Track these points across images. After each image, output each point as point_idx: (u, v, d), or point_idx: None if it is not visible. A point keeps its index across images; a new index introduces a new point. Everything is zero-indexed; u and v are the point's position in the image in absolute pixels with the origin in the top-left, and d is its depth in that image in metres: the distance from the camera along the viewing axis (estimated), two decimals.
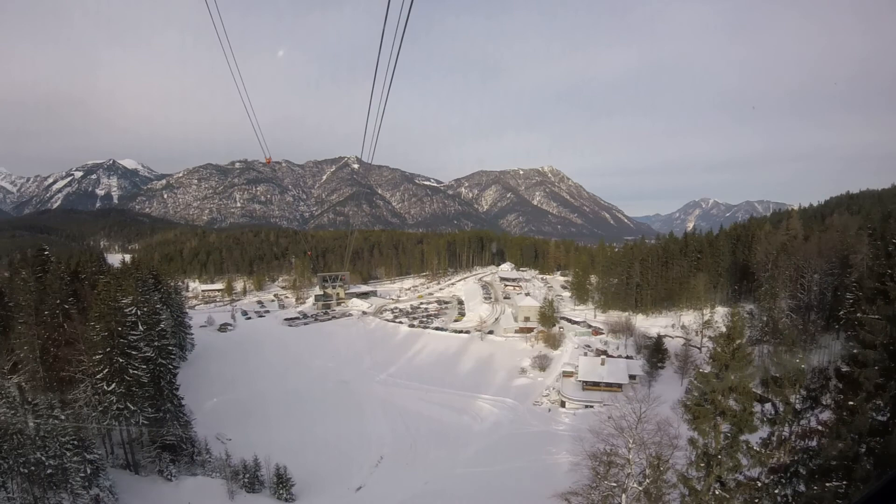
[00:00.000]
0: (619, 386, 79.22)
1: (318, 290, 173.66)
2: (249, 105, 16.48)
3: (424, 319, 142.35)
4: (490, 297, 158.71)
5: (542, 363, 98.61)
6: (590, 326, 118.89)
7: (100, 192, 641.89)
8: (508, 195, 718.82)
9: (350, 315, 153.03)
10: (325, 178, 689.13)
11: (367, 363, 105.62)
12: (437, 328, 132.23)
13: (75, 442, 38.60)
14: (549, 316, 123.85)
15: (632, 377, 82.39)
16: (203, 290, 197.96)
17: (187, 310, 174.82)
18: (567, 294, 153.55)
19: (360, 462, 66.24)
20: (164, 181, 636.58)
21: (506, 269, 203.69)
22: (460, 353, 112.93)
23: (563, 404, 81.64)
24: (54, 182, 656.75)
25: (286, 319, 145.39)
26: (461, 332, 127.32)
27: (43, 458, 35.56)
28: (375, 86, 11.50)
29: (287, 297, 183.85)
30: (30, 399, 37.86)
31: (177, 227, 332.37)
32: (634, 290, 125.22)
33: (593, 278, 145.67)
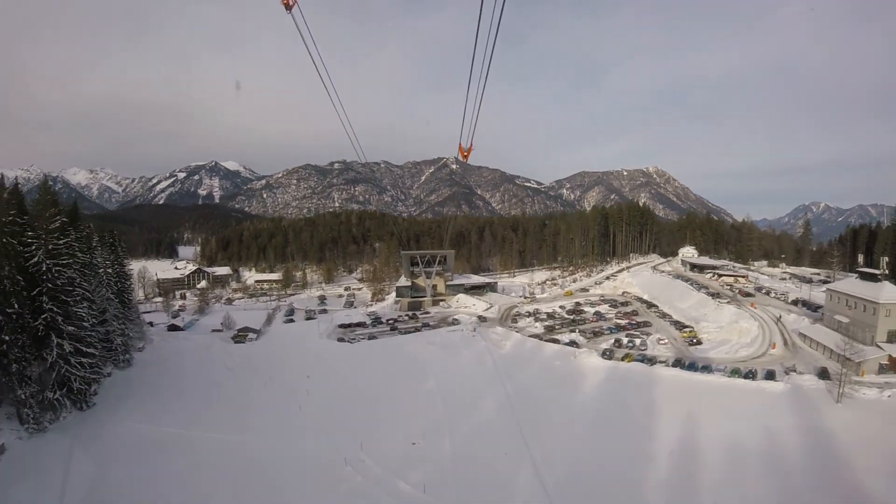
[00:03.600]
0: None
1: (403, 281, 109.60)
2: (342, 109, 20.06)
3: (621, 339, 72.50)
4: (724, 299, 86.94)
5: None
6: None
7: (202, 192, 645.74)
8: (612, 196, 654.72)
9: (456, 323, 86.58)
10: (423, 178, 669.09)
11: (525, 491, 36.53)
12: (690, 368, 60.54)
13: None
14: None
15: None
16: (256, 281, 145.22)
17: (221, 304, 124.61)
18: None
19: None
20: (263, 181, 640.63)
21: (690, 252, 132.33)
22: (827, 465, 41.49)
23: None
24: (158, 182, 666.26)
25: (340, 327, 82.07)
26: (763, 377, 57.13)
27: None
28: (471, 86, 13.33)
29: (361, 291, 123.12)
30: None
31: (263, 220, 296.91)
32: None
33: None
